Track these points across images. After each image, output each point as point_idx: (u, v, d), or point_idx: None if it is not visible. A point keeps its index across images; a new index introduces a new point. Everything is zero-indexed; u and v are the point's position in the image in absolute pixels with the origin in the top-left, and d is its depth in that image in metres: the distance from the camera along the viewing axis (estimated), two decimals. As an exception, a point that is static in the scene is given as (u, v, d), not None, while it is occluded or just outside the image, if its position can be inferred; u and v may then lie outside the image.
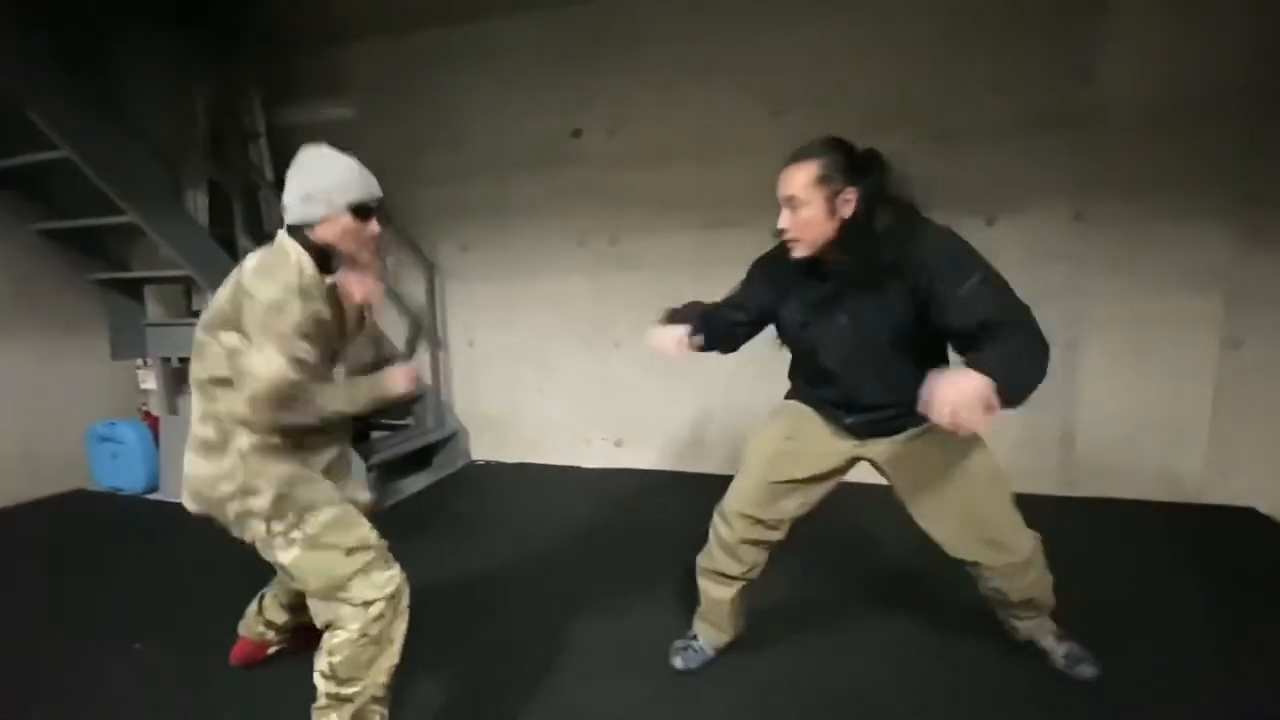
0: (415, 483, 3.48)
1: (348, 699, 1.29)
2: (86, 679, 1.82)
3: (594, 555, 2.53)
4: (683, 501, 3.05)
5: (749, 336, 1.71)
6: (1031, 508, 3.01)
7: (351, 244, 1.36)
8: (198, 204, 3.26)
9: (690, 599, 2.10)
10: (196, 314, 3.42)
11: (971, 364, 1.19)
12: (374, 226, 1.39)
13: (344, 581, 1.31)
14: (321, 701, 1.32)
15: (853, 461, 1.63)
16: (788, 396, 1.73)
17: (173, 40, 3.18)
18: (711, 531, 1.73)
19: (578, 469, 3.64)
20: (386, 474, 3.40)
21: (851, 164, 1.37)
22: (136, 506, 3.25)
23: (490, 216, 3.63)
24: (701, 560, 1.77)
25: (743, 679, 1.74)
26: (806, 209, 1.38)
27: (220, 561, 2.32)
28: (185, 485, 1.39)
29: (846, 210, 1.37)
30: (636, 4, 3.21)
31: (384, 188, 4.06)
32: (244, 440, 1.32)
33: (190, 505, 1.40)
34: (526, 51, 3.41)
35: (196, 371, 1.36)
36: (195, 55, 3.23)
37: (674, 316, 1.66)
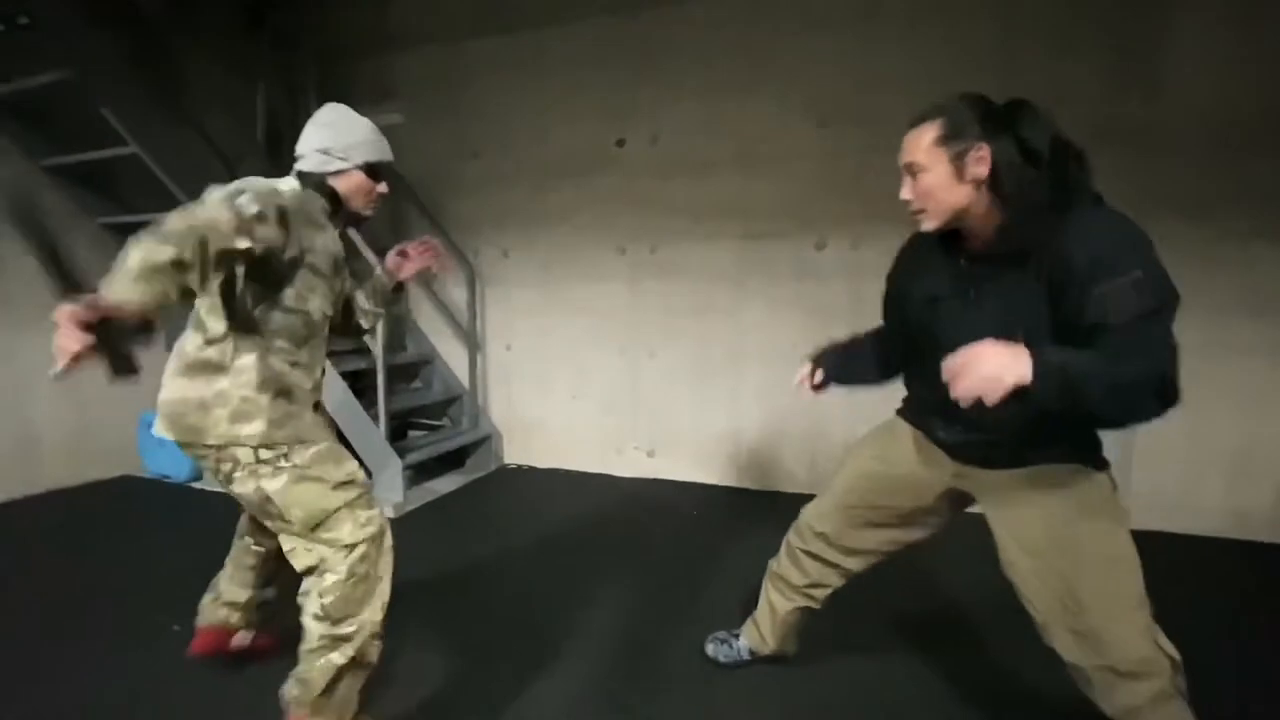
0: (447, 483, 3.51)
1: (346, 638, 1.31)
2: (126, 658, 1.86)
3: (618, 561, 2.49)
4: (713, 514, 3.00)
5: (899, 362, 1.48)
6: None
7: (360, 199, 1.45)
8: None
9: (713, 607, 2.06)
10: (246, 309, 3.55)
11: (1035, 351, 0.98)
12: (382, 186, 1.48)
13: (327, 516, 1.31)
14: (315, 643, 1.31)
15: (953, 497, 1.40)
16: (901, 408, 1.50)
17: (234, 45, 3.33)
18: (786, 536, 1.66)
19: (608, 477, 3.62)
20: (419, 473, 3.43)
21: (985, 116, 1.16)
22: (182, 494, 3.34)
23: (532, 223, 3.67)
24: (772, 563, 1.70)
25: (768, 694, 1.68)
26: (928, 174, 1.19)
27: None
28: (164, 408, 1.33)
29: (979, 170, 1.14)
30: (682, 16, 3.22)
31: (429, 193, 4.16)
32: (246, 367, 1.30)
33: (166, 430, 1.33)
34: (572, 62, 3.45)
35: (203, 291, 1.29)
36: (255, 60, 3.38)
37: (817, 358, 1.55)
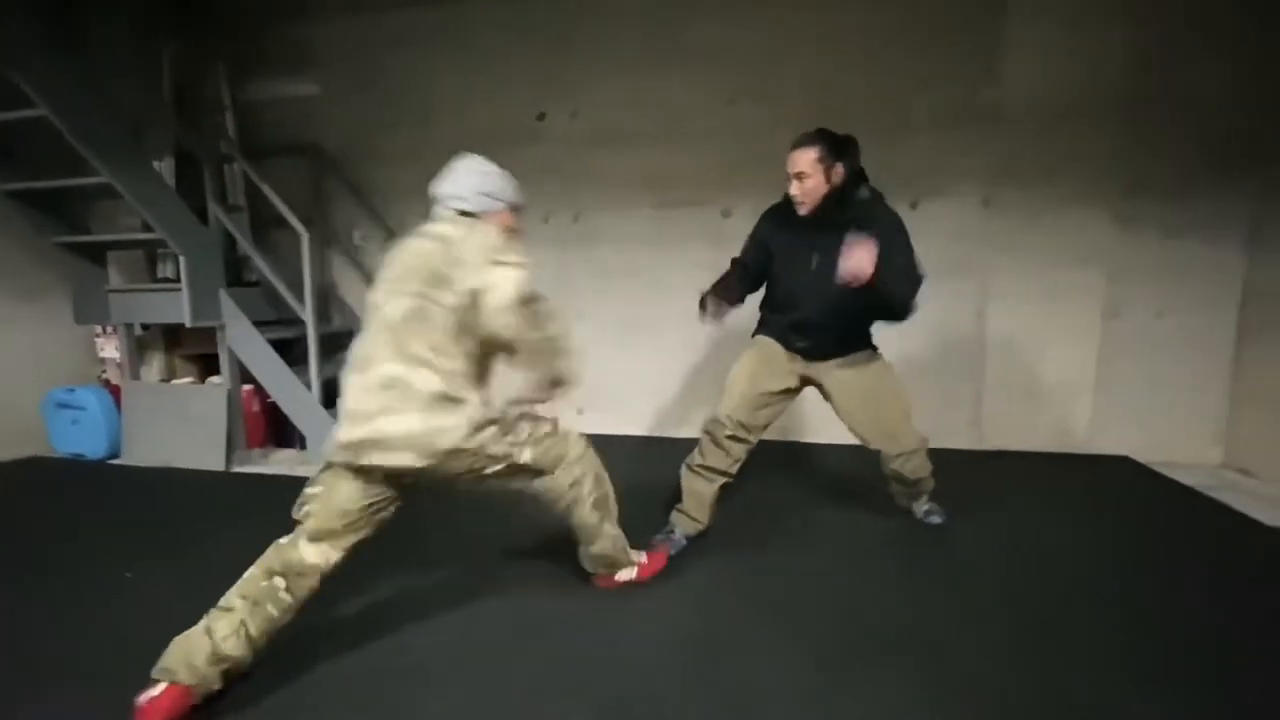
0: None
1: (611, 513, 1.89)
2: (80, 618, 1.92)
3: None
4: (638, 462, 3.28)
5: (756, 285, 2.22)
6: (947, 460, 3.38)
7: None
8: (164, 172, 3.30)
9: (642, 526, 2.33)
10: (160, 280, 3.46)
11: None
12: (518, 222, 1.77)
13: (563, 451, 1.76)
14: (595, 525, 1.85)
15: (804, 382, 2.21)
16: (757, 330, 2.27)
17: (140, 8, 3.21)
18: (703, 436, 2.21)
19: (540, 435, 3.83)
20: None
21: (836, 147, 1.95)
22: (101, 471, 3.28)
23: (456, 193, 3.79)
24: (691, 461, 2.22)
25: (704, 578, 2.01)
26: (810, 179, 1.95)
27: (206, 514, 2.43)
28: (409, 442, 1.49)
29: (837, 179, 1.95)
30: (600, -5, 3.43)
31: (350, 164, 4.17)
32: (476, 391, 1.59)
33: (414, 460, 1.50)
34: (493, 35, 3.58)
35: (431, 334, 1.50)
36: (162, 25, 3.28)
37: (706, 299, 2.09)
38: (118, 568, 2.12)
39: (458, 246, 1.52)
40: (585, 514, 1.82)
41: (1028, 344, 3.27)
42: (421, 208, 3.80)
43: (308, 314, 3.19)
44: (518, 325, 1.50)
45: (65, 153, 2.74)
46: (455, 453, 1.53)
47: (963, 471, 3.02)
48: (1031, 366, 3.28)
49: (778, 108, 3.26)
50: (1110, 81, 3.02)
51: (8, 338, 3.35)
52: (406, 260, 1.58)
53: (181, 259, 3.05)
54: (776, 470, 3.05)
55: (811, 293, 2.04)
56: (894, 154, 3.18)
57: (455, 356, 1.52)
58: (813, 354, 2.14)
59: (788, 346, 2.16)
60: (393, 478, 1.56)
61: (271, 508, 2.42)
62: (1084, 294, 3.19)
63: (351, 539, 1.57)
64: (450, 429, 1.51)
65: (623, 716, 1.42)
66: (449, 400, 1.51)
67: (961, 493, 2.74)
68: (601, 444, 3.50)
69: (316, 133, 3.86)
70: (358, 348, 1.57)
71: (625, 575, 1.96)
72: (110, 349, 3.61)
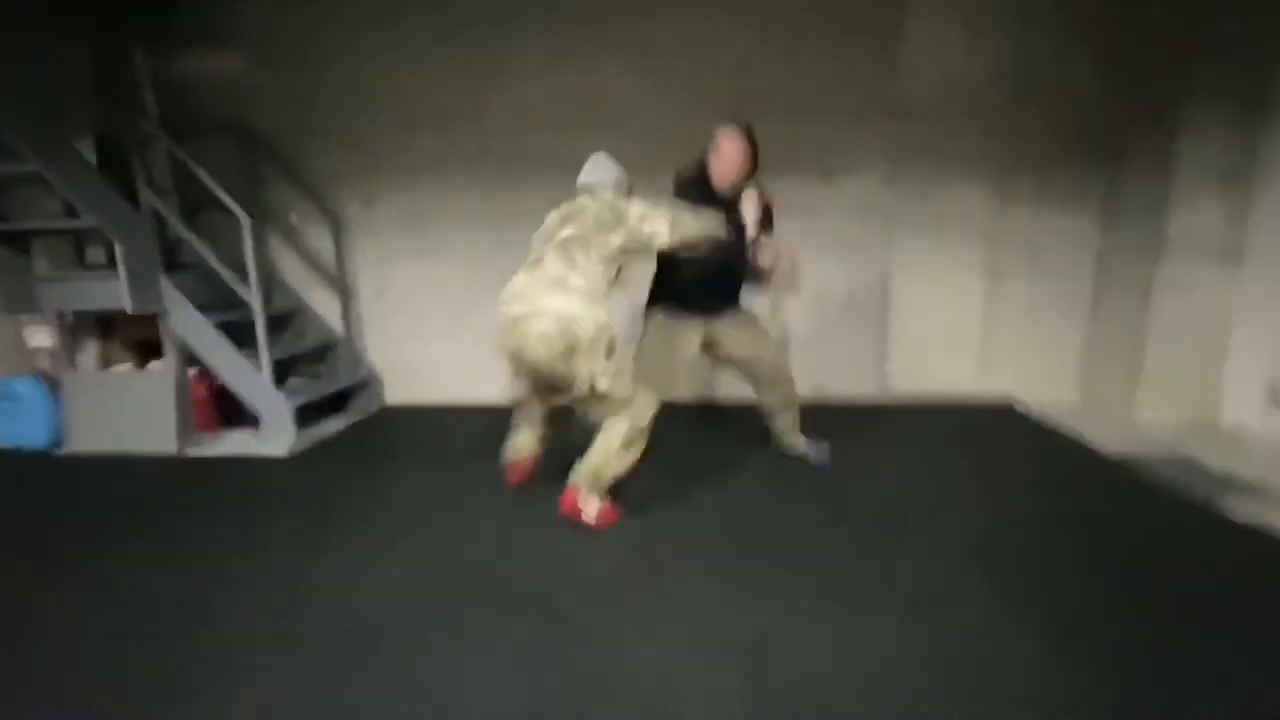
0: (329, 426, 3.67)
1: (631, 450, 2.26)
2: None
3: (492, 472, 2.78)
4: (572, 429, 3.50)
5: None
6: (855, 411, 3.80)
7: None
8: (85, 155, 3.22)
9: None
10: (90, 267, 3.40)
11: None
12: None
13: (633, 397, 2.22)
14: (619, 440, 2.23)
15: (704, 339, 2.69)
16: (653, 304, 2.70)
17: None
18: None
19: (485, 408, 3.99)
20: (304, 420, 3.56)
21: (754, 139, 2.46)
22: (49, 462, 3.25)
23: (395, 173, 3.84)
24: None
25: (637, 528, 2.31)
26: (742, 163, 2.44)
27: (174, 498, 2.53)
28: (556, 321, 2.05)
29: (752, 164, 2.47)
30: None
31: (284, 144, 4.14)
32: (604, 303, 2.14)
33: (554, 327, 2.05)
34: (432, 20, 3.61)
35: (585, 256, 2.13)
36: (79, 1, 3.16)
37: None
38: (100, 560, 2.19)
39: (620, 208, 2.21)
40: (618, 432, 2.22)
41: (924, 304, 3.70)
42: (361, 187, 3.91)
43: (254, 297, 3.24)
44: (675, 239, 2.23)
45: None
46: (576, 343, 2.05)
47: (869, 420, 3.44)
48: (927, 324, 3.72)
49: (709, 94, 3.49)
50: (996, 77, 3.41)
51: (-72, 330, 3.25)
52: (577, 210, 2.25)
53: (116, 244, 3.03)
54: (697, 427, 3.39)
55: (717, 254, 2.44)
56: (812, 134, 3.50)
57: (599, 276, 2.14)
58: (711, 311, 2.62)
59: (693, 310, 2.60)
60: (545, 378, 2.17)
61: (237, 488, 2.59)
62: (969, 261, 3.63)
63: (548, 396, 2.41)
64: (586, 317, 2.07)
65: (568, 621, 1.71)
66: (589, 299, 2.10)
67: (869, 437, 3.15)
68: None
69: (252, 113, 3.81)
70: (533, 255, 2.23)
71: (589, 516, 2.29)
72: (41, 338, 3.54)
